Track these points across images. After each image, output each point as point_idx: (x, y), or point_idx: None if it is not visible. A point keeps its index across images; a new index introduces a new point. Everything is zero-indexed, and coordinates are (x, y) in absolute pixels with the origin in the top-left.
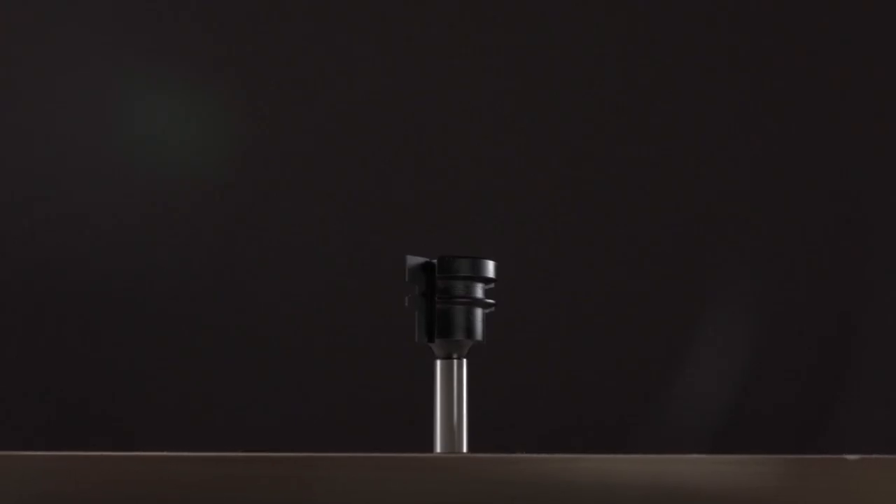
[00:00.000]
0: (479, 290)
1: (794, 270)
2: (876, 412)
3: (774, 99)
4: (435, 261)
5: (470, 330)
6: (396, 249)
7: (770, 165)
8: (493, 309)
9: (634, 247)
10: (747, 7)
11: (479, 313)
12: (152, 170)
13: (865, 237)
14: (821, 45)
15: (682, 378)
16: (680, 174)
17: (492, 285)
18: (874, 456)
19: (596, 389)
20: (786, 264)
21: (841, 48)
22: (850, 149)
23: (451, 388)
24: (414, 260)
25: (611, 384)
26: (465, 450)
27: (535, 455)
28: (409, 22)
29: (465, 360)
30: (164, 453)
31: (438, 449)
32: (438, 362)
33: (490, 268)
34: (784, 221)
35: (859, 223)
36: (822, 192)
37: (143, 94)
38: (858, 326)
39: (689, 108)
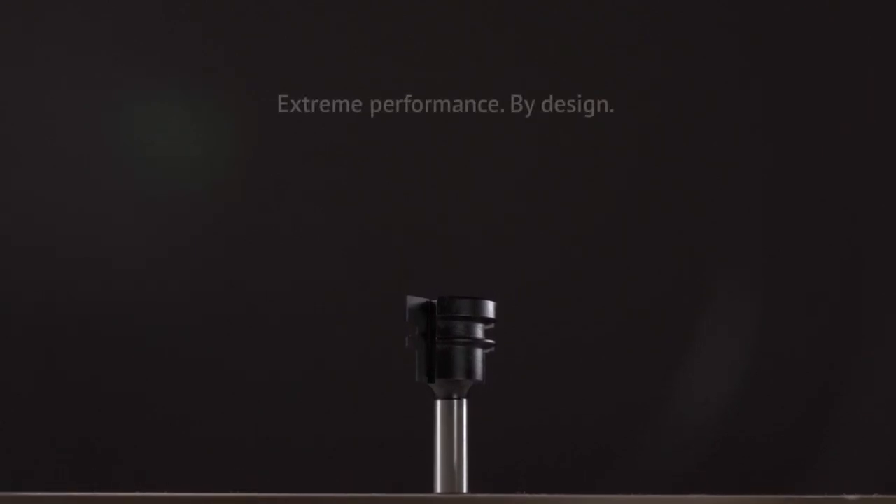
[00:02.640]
0: (479, 331)
1: (787, 307)
2: (874, 447)
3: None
4: (435, 301)
5: (470, 370)
6: (397, 290)
7: (766, 205)
8: (493, 349)
9: (633, 288)
10: (749, 12)
11: (479, 353)
12: (157, 206)
13: (861, 269)
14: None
15: (679, 415)
16: (678, 218)
17: (492, 325)
18: (874, 496)
19: (596, 429)
20: (778, 301)
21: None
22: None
23: (451, 428)
24: (414, 300)
25: (611, 424)
26: (465, 490)
27: (535, 495)
28: (411, 64)
29: (465, 401)
30: (165, 494)
31: (438, 489)
32: (438, 402)
33: (490, 308)
34: (781, 252)
35: (858, 256)
36: (820, 218)
37: (144, 121)
38: (854, 359)
39: (688, 142)
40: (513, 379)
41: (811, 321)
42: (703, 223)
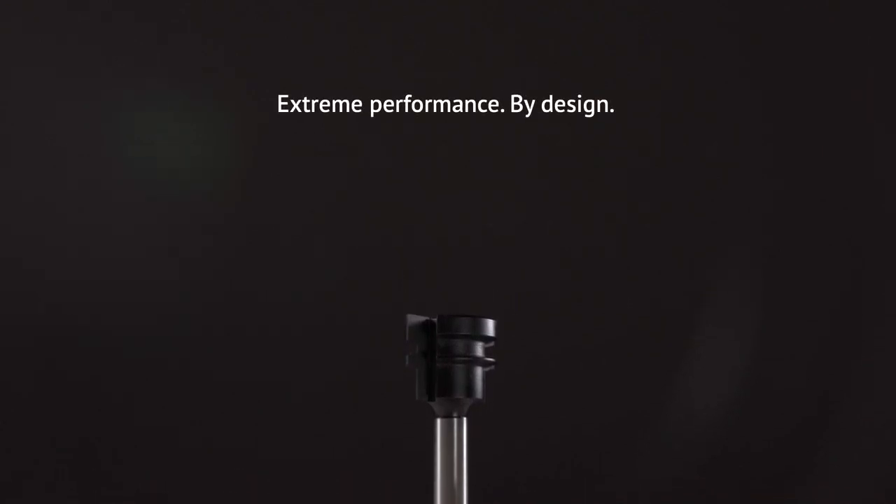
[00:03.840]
0: (479, 349)
1: (787, 312)
2: (874, 454)
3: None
4: (435, 319)
5: (470, 388)
6: (397, 308)
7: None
8: (493, 367)
9: (632, 294)
10: (749, 12)
11: (479, 372)
12: (155, 207)
13: (861, 274)
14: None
15: (678, 428)
16: (677, 237)
17: (492, 344)
18: None
19: (596, 448)
20: (778, 306)
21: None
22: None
23: (451, 446)
24: (414, 319)
25: (611, 442)
26: None
27: None
28: (411, 64)
29: (465, 419)
30: None
31: None
32: (438, 421)
33: (490, 326)
34: (782, 255)
35: (859, 261)
36: (820, 221)
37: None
38: (854, 365)
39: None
40: (512, 396)
41: (811, 327)
42: (703, 224)
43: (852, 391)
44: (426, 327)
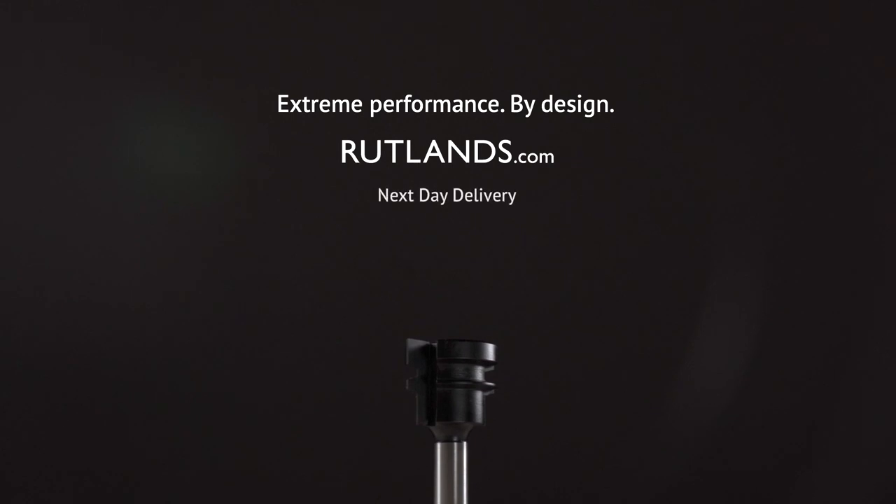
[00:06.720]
0: (479, 374)
1: (784, 324)
2: (872, 465)
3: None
4: (435, 344)
5: (470, 413)
6: (397, 333)
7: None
8: (492, 392)
9: (631, 330)
10: (749, 12)
11: (479, 396)
12: (153, 207)
13: (862, 277)
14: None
15: (678, 451)
16: (675, 258)
17: (492, 368)
18: None
19: (597, 472)
20: (775, 318)
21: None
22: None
23: (452, 470)
24: (414, 343)
25: (612, 466)
26: None
27: None
28: (411, 64)
29: (465, 443)
30: None
31: None
32: (439, 445)
33: (490, 351)
34: (782, 258)
35: (860, 262)
36: (820, 223)
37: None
38: (851, 373)
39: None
40: (512, 420)
41: (808, 339)
42: (704, 226)
43: (850, 404)
44: (426, 352)
